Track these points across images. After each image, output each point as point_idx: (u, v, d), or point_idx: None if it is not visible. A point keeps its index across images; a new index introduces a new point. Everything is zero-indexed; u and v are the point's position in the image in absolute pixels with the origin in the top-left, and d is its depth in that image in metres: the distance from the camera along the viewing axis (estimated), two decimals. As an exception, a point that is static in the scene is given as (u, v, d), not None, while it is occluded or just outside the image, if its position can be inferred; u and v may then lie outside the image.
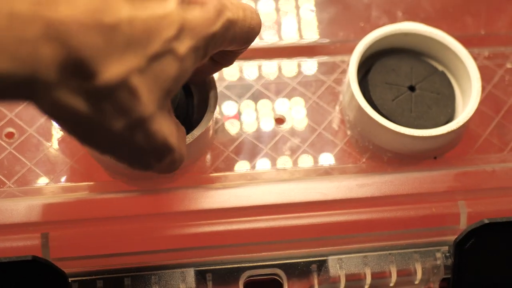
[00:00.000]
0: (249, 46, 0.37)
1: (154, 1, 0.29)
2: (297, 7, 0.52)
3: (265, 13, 0.52)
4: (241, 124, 0.47)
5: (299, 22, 0.52)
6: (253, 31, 0.36)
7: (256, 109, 0.48)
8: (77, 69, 0.27)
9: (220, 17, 0.32)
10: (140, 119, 0.29)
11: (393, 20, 0.51)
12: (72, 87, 0.27)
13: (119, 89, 0.27)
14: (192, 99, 0.45)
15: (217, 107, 0.45)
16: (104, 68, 0.27)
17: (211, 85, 0.44)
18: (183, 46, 0.30)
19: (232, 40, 0.34)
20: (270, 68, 0.49)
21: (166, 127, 0.31)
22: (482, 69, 0.48)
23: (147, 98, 0.29)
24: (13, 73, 0.25)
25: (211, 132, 0.45)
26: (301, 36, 0.51)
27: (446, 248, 0.43)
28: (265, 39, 0.51)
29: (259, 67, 0.50)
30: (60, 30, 0.26)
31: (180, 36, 0.29)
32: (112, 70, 0.27)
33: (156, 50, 0.28)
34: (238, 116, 0.47)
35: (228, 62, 0.40)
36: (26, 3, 0.25)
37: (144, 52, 0.28)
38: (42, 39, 0.25)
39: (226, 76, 0.49)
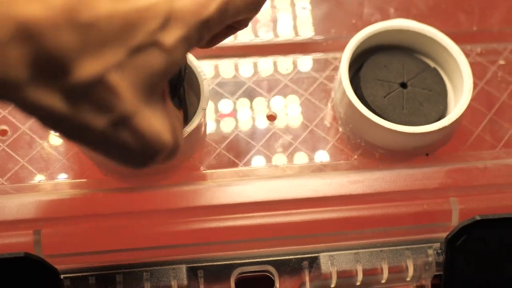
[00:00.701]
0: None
1: None
2: (292, 4, 0.52)
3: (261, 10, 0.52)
4: (233, 121, 0.47)
5: (292, 20, 0.52)
6: (249, 8, 0.33)
7: (248, 106, 0.48)
8: (50, 68, 0.26)
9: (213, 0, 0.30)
10: (123, 116, 0.28)
11: (385, 17, 0.51)
12: (46, 86, 0.26)
13: (96, 87, 0.27)
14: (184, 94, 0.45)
15: (209, 104, 0.46)
16: (79, 66, 0.26)
17: (203, 81, 0.44)
18: (171, 37, 0.28)
19: (236, 15, 0.32)
20: (262, 65, 0.50)
21: (156, 122, 0.29)
22: (474, 66, 0.48)
23: (130, 94, 0.28)
24: None
25: (203, 129, 0.45)
26: (293, 33, 0.51)
27: (438, 245, 0.43)
28: (260, 36, 0.51)
29: (251, 64, 0.50)
30: (32, 30, 0.25)
31: (167, 26, 0.28)
32: (87, 68, 0.26)
33: (138, 43, 0.27)
34: (230, 113, 0.47)
35: (243, 26, 0.37)
36: None
37: (124, 46, 0.27)
38: (13, 39, 0.25)
39: (219, 73, 0.49)
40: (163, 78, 0.29)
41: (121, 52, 0.27)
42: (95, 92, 0.27)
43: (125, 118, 0.28)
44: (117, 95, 0.27)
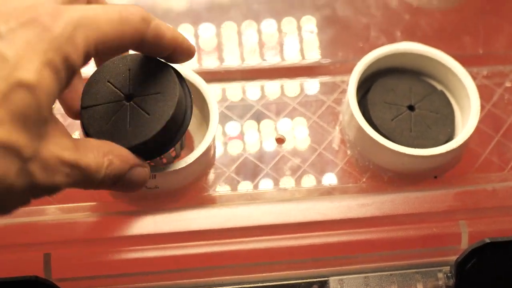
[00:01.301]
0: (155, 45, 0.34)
1: None
2: (299, 28, 0.53)
3: (268, 34, 0.52)
4: (242, 144, 0.47)
5: (299, 43, 0.52)
6: (128, 21, 0.32)
7: (257, 129, 0.48)
8: None
9: (57, 20, 0.29)
10: (28, 159, 0.29)
11: (392, 40, 0.51)
12: None
13: None
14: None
15: (218, 127, 0.46)
16: None
17: (212, 104, 0.44)
18: (29, 70, 0.28)
19: (101, 38, 0.31)
20: (270, 88, 0.50)
21: (54, 148, 0.30)
22: (481, 88, 0.48)
23: (26, 139, 0.28)
24: None
25: (212, 152, 0.45)
26: (300, 57, 0.52)
27: (448, 268, 0.43)
28: (267, 59, 0.51)
29: (260, 87, 0.50)
30: None
31: (20, 62, 0.28)
32: None
33: (1, 92, 0.28)
34: (239, 136, 0.48)
35: (173, 60, 0.37)
36: None
37: None
38: None
39: (228, 96, 0.49)
40: (44, 109, 0.29)
41: None
42: None
43: (31, 159, 0.29)
44: (13, 146, 0.28)
